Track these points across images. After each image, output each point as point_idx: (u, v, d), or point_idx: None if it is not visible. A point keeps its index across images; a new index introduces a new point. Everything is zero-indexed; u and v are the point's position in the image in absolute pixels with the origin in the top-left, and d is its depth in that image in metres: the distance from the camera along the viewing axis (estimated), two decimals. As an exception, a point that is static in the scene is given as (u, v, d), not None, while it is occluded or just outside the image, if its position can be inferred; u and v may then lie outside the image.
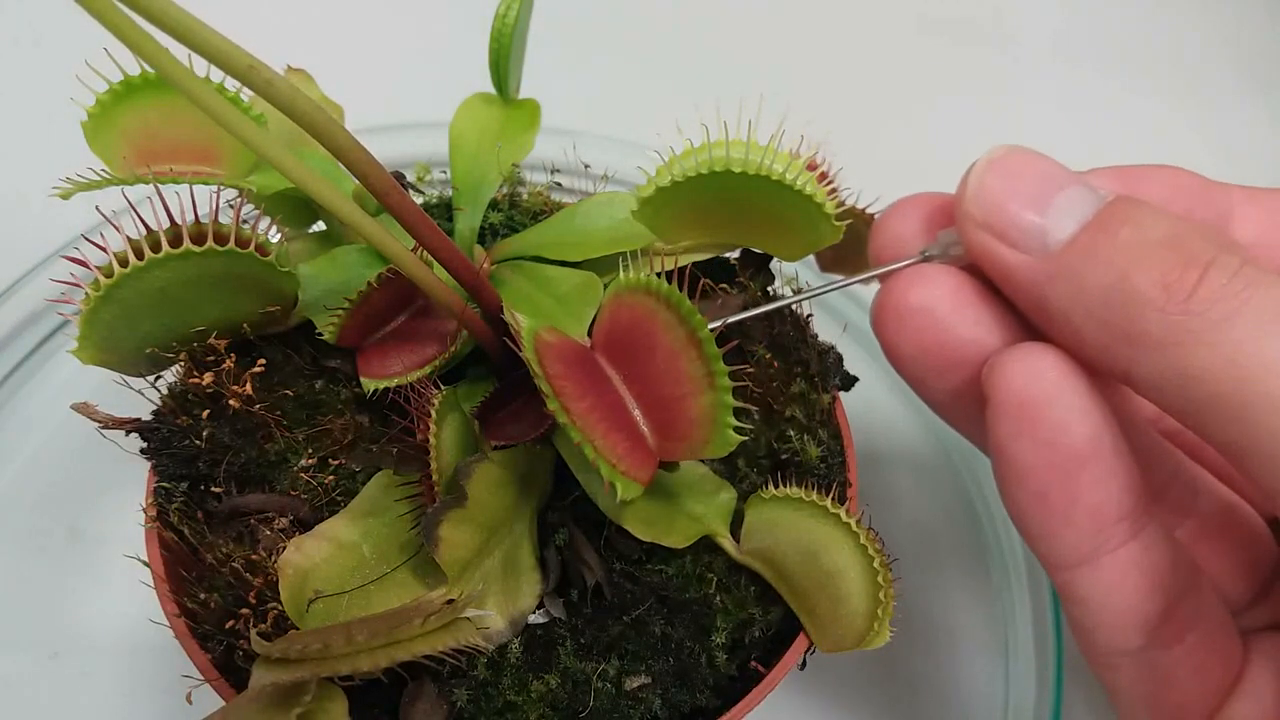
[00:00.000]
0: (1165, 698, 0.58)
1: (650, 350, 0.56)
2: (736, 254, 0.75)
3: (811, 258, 0.73)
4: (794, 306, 0.78)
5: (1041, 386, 0.52)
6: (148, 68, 0.64)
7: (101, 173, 0.63)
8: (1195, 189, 0.60)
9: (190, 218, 0.57)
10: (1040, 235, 0.53)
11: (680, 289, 0.54)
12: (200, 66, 0.47)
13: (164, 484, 0.64)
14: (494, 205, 0.85)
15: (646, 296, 0.55)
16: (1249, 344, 0.46)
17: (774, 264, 0.76)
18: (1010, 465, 0.54)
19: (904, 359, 0.58)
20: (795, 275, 0.80)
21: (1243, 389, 0.46)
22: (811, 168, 0.60)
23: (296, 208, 0.73)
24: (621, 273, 0.56)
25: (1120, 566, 0.54)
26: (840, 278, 0.64)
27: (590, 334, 0.61)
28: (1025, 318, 0.56)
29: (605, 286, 0.64)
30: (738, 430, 0.54)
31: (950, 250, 0.57)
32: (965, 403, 0.58)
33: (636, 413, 0.58)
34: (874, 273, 0.60)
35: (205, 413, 0.64)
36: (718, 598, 0.64)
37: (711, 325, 0.54)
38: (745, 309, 0.71)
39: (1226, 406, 0.47)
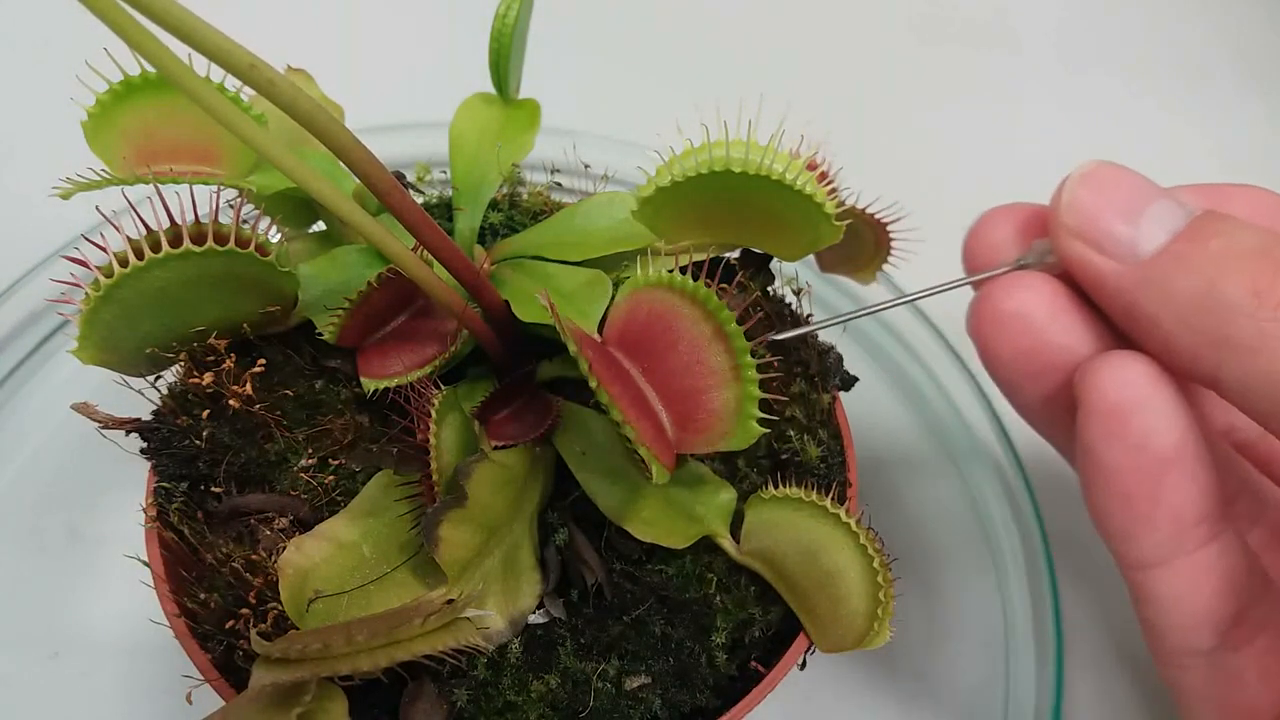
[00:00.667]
0: (1232, 699, 0.59)
1: (670, 345, 0.56)
2: (736, 254, 0.75)
3: (811, 258, 0.73)
4: (795, 307, 0.78)
5: (1132, 392, 0.54)
6: (148, 67, 0.64)
7: (101, 173, 0.63)
8: (1275, 207, 0.62)
9: (190, 218, 0.57)
10: (1131, 245, 0.55)
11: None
12: (201, 65, 0.47)
13: (164, 484, 0.64)
14: (494, 205, 0.85)
15: (669, 293, 0.56)
16: None
17: (774, 264, 0.76)
18: (1098, 467, 0.56)
19: (1000, 363, 0.61)
20: (795, 275, 0.80)
21: None
22: (811, 168, 0.60)
23: (296, 208, 0.73)
24: (639, 270, 0.57)
25: (1196, 568, 0.56)
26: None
27: (600, 331, 0.61)
28: (1115, 326, 0.58)
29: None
30: (761, 422, 0.54)
31: (1044, 259, 0.60)
32: (1055, 408, 0.60)
33: (657, 405, 0.58)
34: (970, 279, 0.62)
35: (205, 413, 0.64)
36: (718, 598, 0.64)
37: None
38: (767, 315, 0.71)
39: None
